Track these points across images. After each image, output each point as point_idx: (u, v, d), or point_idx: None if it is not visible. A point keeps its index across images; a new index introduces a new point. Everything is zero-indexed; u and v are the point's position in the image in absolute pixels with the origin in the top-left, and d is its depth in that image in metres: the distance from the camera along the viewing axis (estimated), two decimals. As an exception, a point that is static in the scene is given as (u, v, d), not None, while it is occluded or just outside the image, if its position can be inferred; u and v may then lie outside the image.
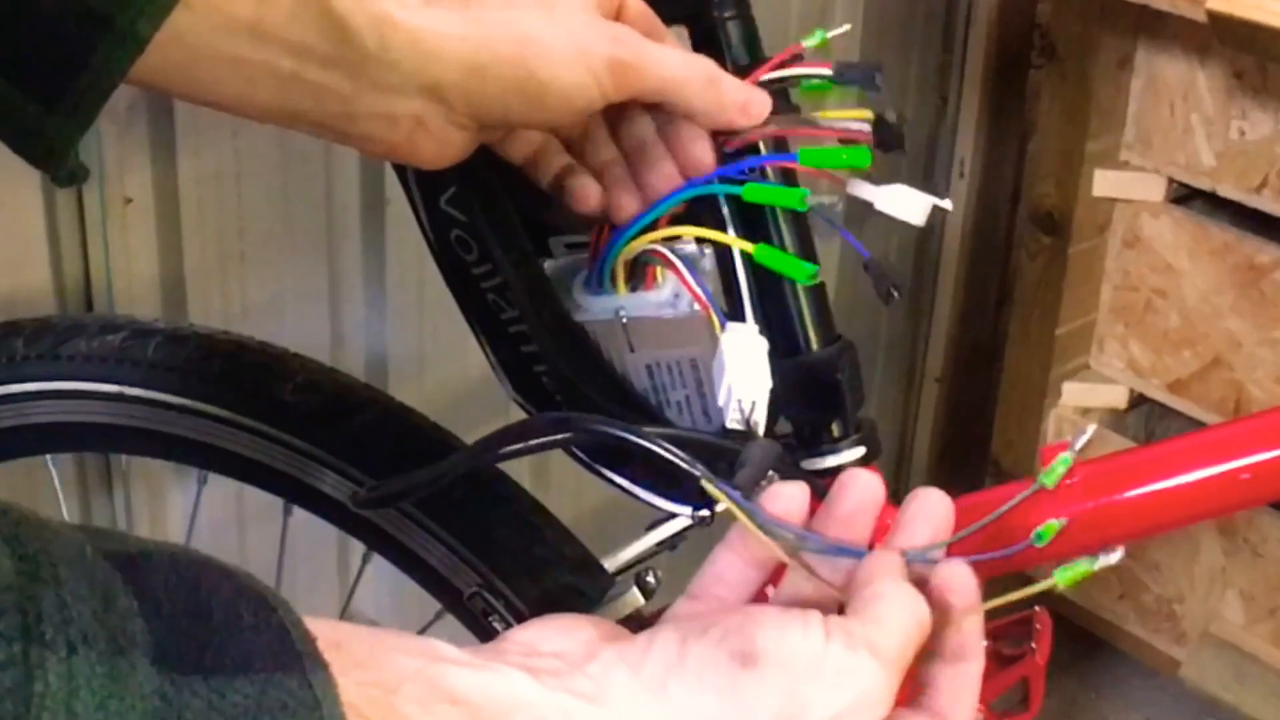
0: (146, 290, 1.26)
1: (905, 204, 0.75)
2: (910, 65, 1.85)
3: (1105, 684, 1.86)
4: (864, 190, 0.76)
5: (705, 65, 0.72)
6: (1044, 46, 1.67)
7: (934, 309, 1.98)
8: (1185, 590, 1.72)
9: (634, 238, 0.72)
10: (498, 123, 0.69)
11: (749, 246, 0.73)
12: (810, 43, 0.78)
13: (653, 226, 0.72)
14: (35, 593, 0.36)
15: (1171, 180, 1.65)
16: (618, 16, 0.73)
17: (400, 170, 0.78)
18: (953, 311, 1.97)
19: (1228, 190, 1.59)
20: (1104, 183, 1.68)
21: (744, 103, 0.72)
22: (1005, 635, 0.88)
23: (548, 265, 0.77)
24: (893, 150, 0.73)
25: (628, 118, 0.74)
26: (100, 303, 1.23)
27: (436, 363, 1.47)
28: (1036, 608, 0.88)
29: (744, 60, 0.81)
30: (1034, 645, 0.85)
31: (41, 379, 0.97)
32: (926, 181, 1.92)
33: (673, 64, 0.71)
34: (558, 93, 0.67)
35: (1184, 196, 1.66)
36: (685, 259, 0.72)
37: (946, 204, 0.75)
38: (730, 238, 0.74)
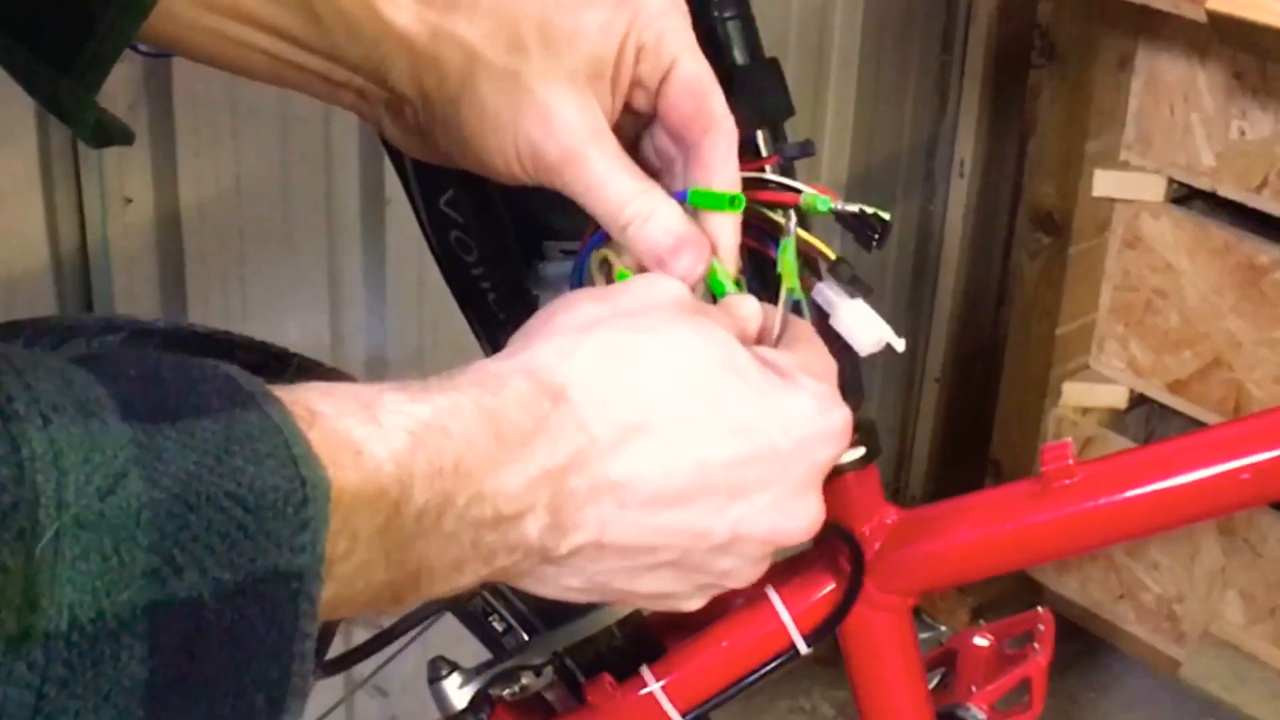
0: (146, 290, 1.26)
1: (860, 327, 0.70)
2: (910, 65, 1.85)
3: (1105, 684, 1.86)
4: (827, 297, 0.71)
5: (637, 202, 0.64)
6: (1044, 46, 1.67)
7: (934, 309, 1.98)
8: (1185, 590, 1.72)
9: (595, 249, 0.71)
10: (436, 144, 0.67)
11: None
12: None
13: None
14: None
15: (1171, 180, 1.65)
16: (665, 76, 0.66)
17: (401, 171, 0.78)
18: (953, 311, 1.97)
19: (1228, 190, 1.59)
20: (1104, 183, 1.68)
21: (663, 254, 0.64)
22: (1008, 636, 0.88)
23: (542, 268, 0.77)
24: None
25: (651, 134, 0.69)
26: (100, 303, 1.23)
27: (436, 363, 1.46)
28: (1039, 608, 0.88)
29: (744, 60, 0.80)
30: (1037, 645, 0.85)
31: (41, 379, 0.97)
32: (926, 181, 1.92)
33: (599, 192, 0.64)
34: (478, 150, 0.65)
35: (1184, 196, 1.66)
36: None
37: (899, 344, 0.70)
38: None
